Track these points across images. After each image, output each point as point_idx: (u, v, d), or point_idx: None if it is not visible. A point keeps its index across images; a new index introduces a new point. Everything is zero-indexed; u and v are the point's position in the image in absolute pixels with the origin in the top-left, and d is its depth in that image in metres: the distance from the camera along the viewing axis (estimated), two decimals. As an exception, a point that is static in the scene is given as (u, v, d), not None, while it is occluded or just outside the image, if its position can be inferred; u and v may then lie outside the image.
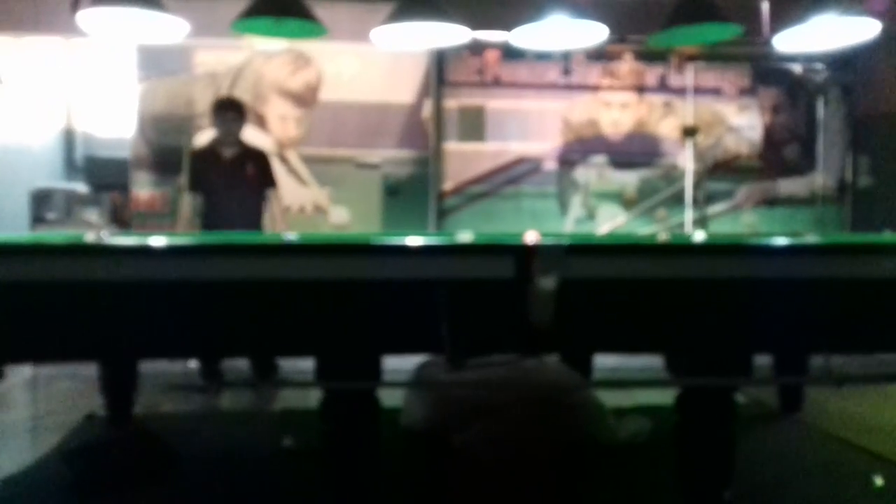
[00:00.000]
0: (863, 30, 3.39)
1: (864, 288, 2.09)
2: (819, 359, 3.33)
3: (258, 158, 4.34)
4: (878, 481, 2.74)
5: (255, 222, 4.25)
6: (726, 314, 2.09)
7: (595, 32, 3.58)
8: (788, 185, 5.76)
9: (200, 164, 4.28)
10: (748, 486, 2.52)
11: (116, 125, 6.89)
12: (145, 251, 2.05)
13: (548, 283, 1.95)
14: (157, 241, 2.05)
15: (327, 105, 5.50)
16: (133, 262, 1.99)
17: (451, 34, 3.70)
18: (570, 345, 2.33)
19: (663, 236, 3.26)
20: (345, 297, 2.04)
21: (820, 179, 5.76)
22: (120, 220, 5.75)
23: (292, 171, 5.48)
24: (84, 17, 3.44)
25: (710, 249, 2.15)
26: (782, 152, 5.77)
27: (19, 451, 3.17)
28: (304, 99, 5.49)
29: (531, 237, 2.95)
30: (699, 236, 3.69)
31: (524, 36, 3.63)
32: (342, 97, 5.51)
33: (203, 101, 5.40)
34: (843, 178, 5.76)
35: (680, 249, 2.14)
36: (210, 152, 4.30)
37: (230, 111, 4.23)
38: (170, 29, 3.59)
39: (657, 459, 2.61)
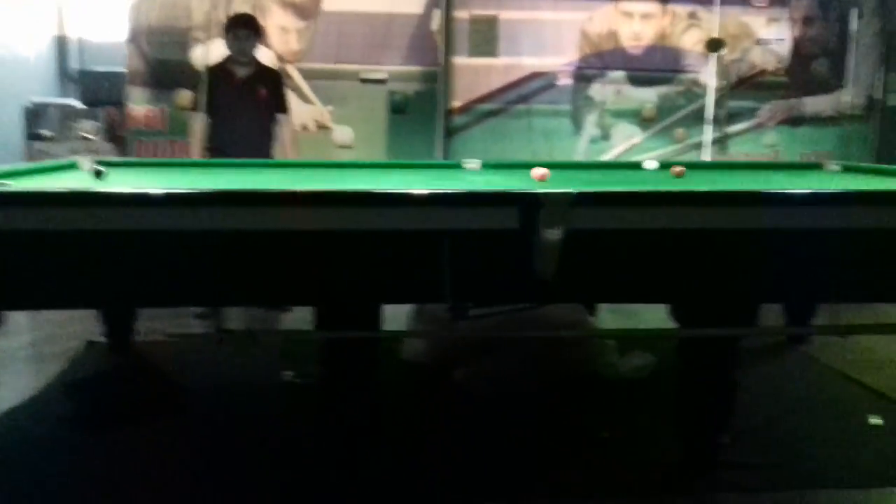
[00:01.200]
0: None
1: (870, 237, 2.06)
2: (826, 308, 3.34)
3: (272, 79, 4.17)
4: (877, 420, 2.71)
5: (264, 147, 4.08)
6: (731, 264, 2.07)
7: None
8: (815, 103, 5.50)
9: (212, 83, 4.09)
10: (746, 422, 2.50)
11: (111, 34, 6.60)
12: (141, 201, 1.93)
13: (553, 234, 1.91)
14: (153, 190, 1.95)
15: (330, 16, 5.21)
16: (129, 212, 1.91)
17: None
18: (575, 296, 2.32)
19: (678, 170, 3.08)
20: (345, 247, 1.99)
21: (848, 97, 5.49)
22: (116, 136, 5.56)
23: (295, 87, 5.24)
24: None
25: (712, 199, 2.10)
26: (810, 68, 5.49)
27: (20, 380, 3.14)
28: (306, 9, 5.21)
29: (538, 174, 2.79)
30: (650, 164, 3.52)
31: None
32: (346, 7, 5.22)
33: (199, 13, 5.13)
34: (871, 96, 5.49)
35: (683, 198, 2.10)
36: (222, 70, 4.11)
37: (242, 28, 4.03)
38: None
39: (660, 394, 2.59)
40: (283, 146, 4.15)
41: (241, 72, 4.07)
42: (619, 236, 2.02)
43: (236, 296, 2.14)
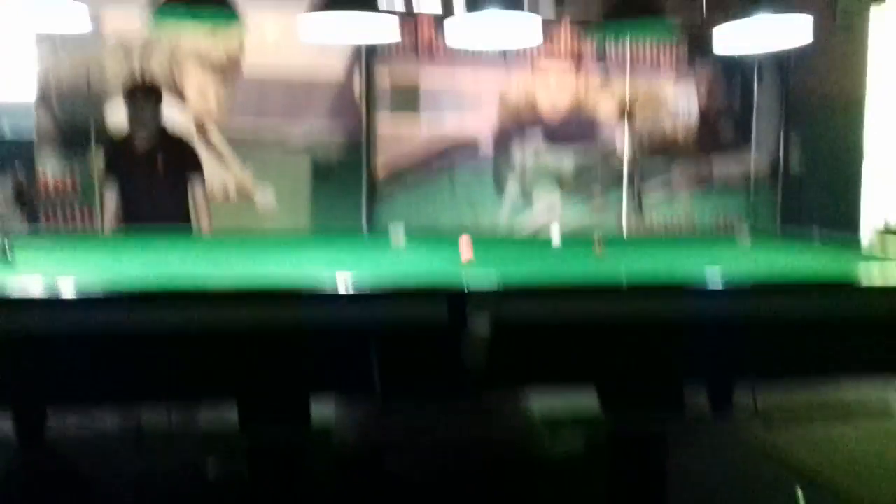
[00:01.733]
0: (801, 29, 3.36)
1: (788, 325, 2.12)
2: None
3: (176, 148, 4.01)
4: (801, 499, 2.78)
5: (176, 216, 3.94)
6: (657, 351, 2.12)
7: (532, 27, 3.36)
8: (723, 164, 5.74)
9: (113, 156, 3.95)
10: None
11: (17, 95, 6.36)
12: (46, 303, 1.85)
13: (481, 327, 1.92)
14: (60, 291, 1.88)
15: (251, 77, 5.16)
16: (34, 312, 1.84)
17: (384, 28, 3.46)
18: (504, 385, 2.31)
19: (598, 241, 3.16)
20: (269, 342, 1.96)
21: (753, 159, 5.76)
22: (26, 204, 5.32)
23: (213, 148, 5.15)
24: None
25: (637, 292, 2.16)
26: (717, 128, 5.74)
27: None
28: (226, 69, 5.14)
29: (464, 244, 2.83)
30: (555, 231, 3.65)
31: (458, 32, 3.40)
32: (267, 68, 5.18)
33: (114, 70, 5.00)
34: (776, 158, 5.77)
35: (610, 292, 2.17)
36: (123, 142, 3.97)
37: (141, 94, 3.86)
38: (72, 16, 3.20)
39: (590, 474, 2.61)
40: (200, 210, 4.02)
41: (141, 142, 3.89)
42: (547, 328, 2.05)
43: (155, 393, 2.06)
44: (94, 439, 2.67)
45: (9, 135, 5.81)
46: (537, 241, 3.72)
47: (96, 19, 4.79)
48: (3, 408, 2.67)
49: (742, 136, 5.76)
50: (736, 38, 3.46)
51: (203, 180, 4.11)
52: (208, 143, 5.13)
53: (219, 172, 5.15)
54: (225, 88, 5.14)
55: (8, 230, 4.33)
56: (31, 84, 4.96)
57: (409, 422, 2.62)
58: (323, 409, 2.41)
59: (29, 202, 5.26)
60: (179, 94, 5.08)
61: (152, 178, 3.89)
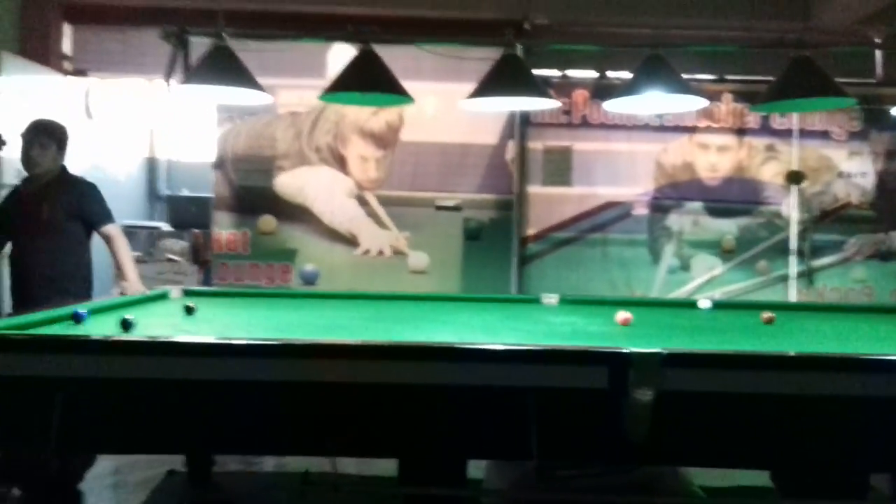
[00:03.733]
0: None
1: None
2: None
3: (64, 191, 3.68)
4: None
5: (65, 270, 3.64)
6: (839, 431, 1.96)
7: (694, 103, 3.37)
8: (904, 239, 5.33)
9: (9, 200, 3.80)
10: None
11: (199, 157, 6.96)
12: (222, 351, 1.96)
13: (643, 395, 1.86)
14: (235, 342, 2.05)
15: (408, 146, 5.37)
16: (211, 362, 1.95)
17: (538, 102, 3.57)
18: (667, 459, 2.22)
19: (767, 316, 2.98)
20: (428, 400, 1.99)
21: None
22: (200, 259, 5.75)
23: (372, 213, 5.36)
24: (175, 89, 3.41)
25: (814, 363, 2.01)
26: (894, 198, 5.34)
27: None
28: (385, 139, 5.38)
29: (621, 318, 2.74)
30: (704, 304, 3.53)
31: (619, 105, 3.47)
32: (423, 138, 5.37)
33: (284, 142, 5.36)
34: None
35: (781, 363, 2.01)
36: (16, 187, 3.84)
37: (34, 134, 3.66)
38: (255, 98, 3.50)
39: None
40: (122, 259, 3.78)
41: (29, 185, 3.71)
42: (713, 398, 1.95)
43: (317, 446, 2.10)
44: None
45: (190, 195, 6.36)
46: (694, 307, 3.56)
47: (270, 94, 5.19)
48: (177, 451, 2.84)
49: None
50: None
51: (119, 230, 3.86)
52: (368, 207, 5.35)
53: (377, 234, 5.35)
54: (384, 156, 5.36)
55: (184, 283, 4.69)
56: (212, 149, 5.40)
57: (563, 487, 2.53)
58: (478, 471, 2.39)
59: (204, 258, 5.68)
60: (343, 163, 5.35)
61: (32, 224, 3.62)
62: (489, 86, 3.33)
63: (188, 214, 6.06)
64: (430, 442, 2.04)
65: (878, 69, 5.07)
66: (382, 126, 5.36)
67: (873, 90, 5.04)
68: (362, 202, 5.36)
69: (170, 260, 5.73)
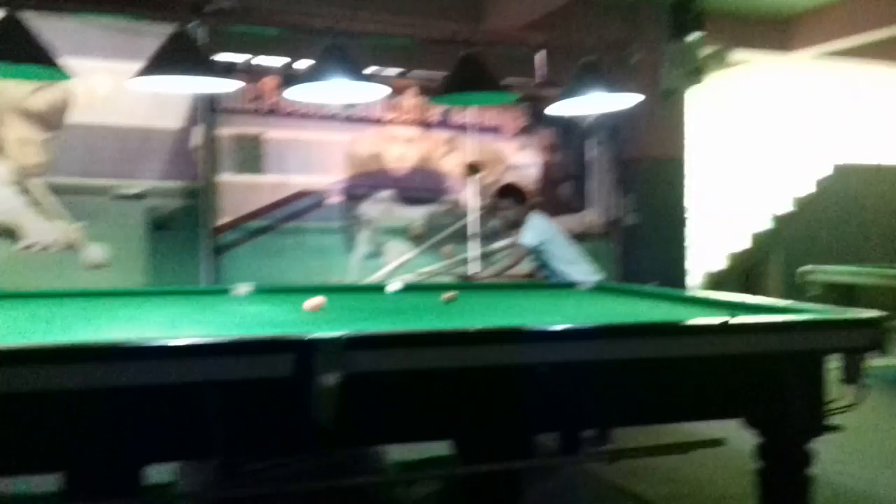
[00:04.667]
0: (628, 100, 3.67)
1: (630, 365, 2.19)
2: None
3: None
4: None
5: None
6: (505, 398, 2.13)
7: (375, 91, 3.48)
8: (565, 222, 6.00)
9: None
10: None
11: None
12: None
13: (329, 379, 1.85)
14: None
15: (78, 128, 4.85)
16: None
17: (212, 84, 3.43)
18: (356, 440, 2.23)
19: (449, 295, 3.18)
20: (99, 405, 1.81)
21: (592, 217, 6.07)
22: None
23: (37, 202, 4.77)
24: None
25: (480, 338, 2.15)
26: (558, 190, 6.01)
27: None
28: (49, 121, 4.81)
29: (310, 304, 2.73)
30: (393, 287, 3.74)
31: (301, 92, 3.44)
32: (96, 120, 4.89)
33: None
34: (613, 216, 6.11)
35: (451, 339, 2.12)
36: None
37: None
38: None
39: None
40: None
41: None
42: (396, 376, 2.01)
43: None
44: None
45: None
46: (383, 291, 3.69)
47: None
48: None
49: (581, 195, 6.06)
50: (569, 107, 3.72)
51: None
52: (31, 196, 4.74)
53: (44, 227, 4.76)
54: (48, 139, 4.79)
55: None
56: None
57: (254, 481, 2.46)
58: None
59: None
60: (-1, 146, 4.69)
61: None
62: (157, 64, 3.11)
63: None
64: (101, 450, 1.85)
65: (542, 70, 5.65)
66: (44, 105, 4.78)
67: (537, 90, 5.60)
68: (24, 190, 4.74)
69: None
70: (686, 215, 6.20)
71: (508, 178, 5.83)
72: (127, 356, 1.82)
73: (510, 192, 4.67)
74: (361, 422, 2.01)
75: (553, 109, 3.82)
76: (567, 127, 5.99)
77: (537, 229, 4.49)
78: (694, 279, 6.51)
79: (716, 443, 2.34)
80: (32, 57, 2.95)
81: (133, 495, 1.86)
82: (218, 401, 1.88)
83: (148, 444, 1.89)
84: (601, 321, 2.61)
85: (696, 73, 5.84)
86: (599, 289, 3.86)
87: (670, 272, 5.83)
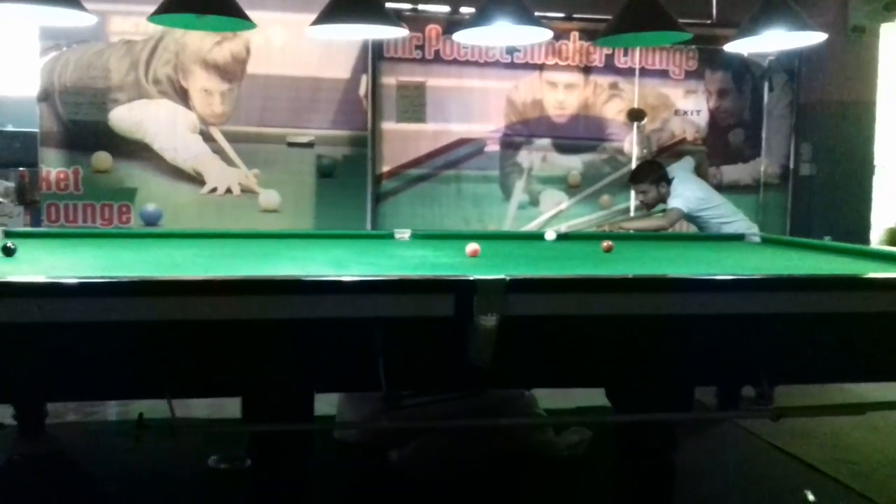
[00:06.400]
0: (811, 38, 3.37)
1: (800, 320, 2.07)
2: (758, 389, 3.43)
3: None
4: (810, 496, 2.72)
5: None
6: (666, 348, 2.06)
7: (539, 34, 3.42)
8: (732, 172, 5.71)
9: None
10: (688, 499, 2.47)
11: (23, 91, 6.36)
12: (50, 291, 1.81)
13: (488, 321, 1.86)
14: (64, 281, 1.86)
15: (256, 79, 5.14)
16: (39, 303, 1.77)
17: (389, 31, 3.49)
18: (511, 382, 2.26)
19: (607, 244, 3.10)
20: (274, 335, 1.90)
21: (763, 166, 5.72)
22: (27, 199, 5.30)
23: (218, 149, 5.12)
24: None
25: (644, 285, 2.11)
26: (727, 138, 5.70)
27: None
28: (230, 72, 5.12)
29: (471, 249, 2.77)
30: (550, 235, 3.65)
31: (468, 36, 3.46)
32: (272, 71, 5.15)
33: (119, 73, 4.98)
34: (786, 165, 5.73)
35: (616, 285, 2.10)
36: None
37: None
38: (74, 19, 3.16)
39: (599, 472, 2.56)
40: None
41: None
42: (554, 321, 2.00)
43: (155, 389, 2.00)
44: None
45: (13, 130, 5.80)
46: (542, 239, 3.67)
47: (101, 21, 4.78)
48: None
49: (753, 144, 5.72)
50: (747, 45, 3.48)
51: None
52: (213, 144, 5.10)
53: (224, 172, 5.12)
54: (229, 89, 5.11)
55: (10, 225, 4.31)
56: (35, 80, 4.93)
57: (412, 415, 2.57)
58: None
59: (31, 198, 5.24)
60: (185, 96, 5.05)
61: None
62: (334, 12, 3.21)
63: (12, 151, 5.53)
64: (275, 377, 1.99)
65: (714, 10, 5.32)
66: (227, 56, 5.09)
67: (709, 31, 5.29)
68: (207, 138, 5.11)
69: (-7, 202, 5.25)
70: (874, 164, 5.70)
71: (674, 125, 5.60)
72: (300, 290, 1.93)
73: (644, 175, 4.33)
74: (516, 364, 2.02)
75: (730, 47, 3.60)
76: (740, 69, 5.64)
77: (691, 191, 4.18)
78: (875, 235, 6.00)
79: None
80: (220, 7, 3.11)
81: (307, 420, 1.99)
82: (382, 337, 1.96)
83: (318, 374, 2.01)
84: (770, 274, 2.47)
85: (890, 7, 5.30)
86: (767, 242, 3.65)
87: (847, 227, 5.40)
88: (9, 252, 2.56)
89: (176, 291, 1.89)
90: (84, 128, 4.94)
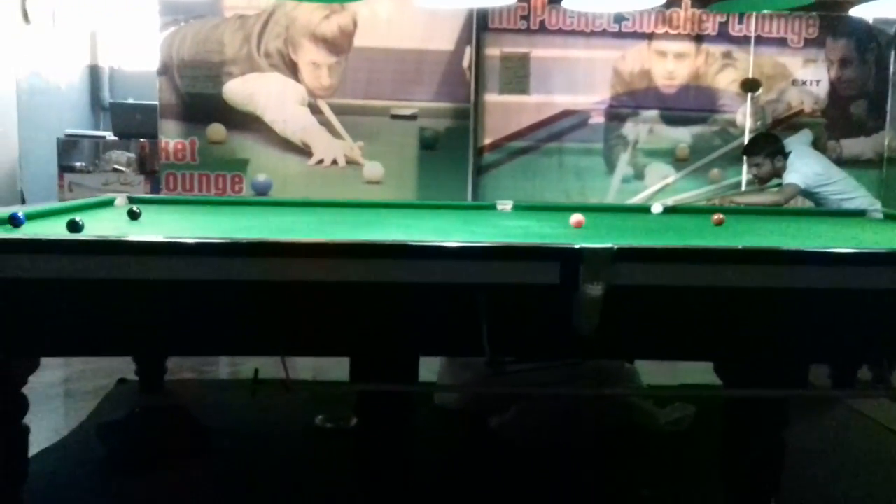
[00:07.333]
0: None
1: None
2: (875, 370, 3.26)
3: None
4: None
5: None
6: (778, 323, 1.99)
7: (649, 1, 3.32)
8: (853, 146, 5.39)
9: None
10: (797, 480, 2.39)
11: (144, 65, 6.69)
12: (174, 250, 1.90)
13: (594, 290, 1.85)
14: (187, 240, 1.93)
15: (362, 52, 5.22)
16: (163, 261, 1.87)
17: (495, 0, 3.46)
18: (615, 352, 2.26)
19: (718, 217, 2.99)
20: (381, 299, 1.95)
21: (888, 140, 5.39)
22: (147, 169, 5.59)
23: (325, 122, 5.24)
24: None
25: (759, 257, 2.02)
26: (849, 109, 5.39)
27: (54, 418, 3.12)
28: (338, 45, 5.21)
29: (575, 220, 2.73)
30: (657, 208, 3.56)
31: (576, 2, 3.40)
32: (378, 43, 5.22)
33: (232, 47, 5.16)
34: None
35: (727, 256, 2.02)
36: None
37: None
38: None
39: (703, 450, 2.50)
40: None
41: None
42: (662, 292, 1.96)
43: (269, 346, 2.08)
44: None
45: (134, 102, 6.12)
46: (648, 212, 3.59)
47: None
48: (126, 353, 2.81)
49: (876, 117, 5.39)
50: (877, 9, 3.27)
51: None
52: (321, 116, 5.22)
53: (330, 144, 5.24)
54: (337, 62, 5.21)
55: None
56: (155, 55, 5.17)
57: (514, 381, 2.59)
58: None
59: (151, 168, 5.52)
60: (294, 69, 5.19)
61: None
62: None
63: (134, 123, 5.84)
64: (382, 339, 2.04)
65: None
66: (335, 30, 5.18)
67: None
68: (315, 110, 5.24)
69: (115, 170, 5.56)
70: None
71: (791, 96, 5.34)
72: (407, 255, 1.96)
73: (759, 147, 4.13)
74: (621, 335, 2.00)
75: (858, 11, 3.39)
76: (864, 37, 5.31)
77: (808, 167, 3.99)
78: None
79: None
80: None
81: (410, 382, 2.03)
82: (487, 303, 1.97)
83: (423, 338, 2.04)
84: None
85: None
86: (891, 218, 3.45)
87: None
88: (134, 215, 2.72)
89: (290, 253, 1.95)
90: (200, 100, 5.16)
